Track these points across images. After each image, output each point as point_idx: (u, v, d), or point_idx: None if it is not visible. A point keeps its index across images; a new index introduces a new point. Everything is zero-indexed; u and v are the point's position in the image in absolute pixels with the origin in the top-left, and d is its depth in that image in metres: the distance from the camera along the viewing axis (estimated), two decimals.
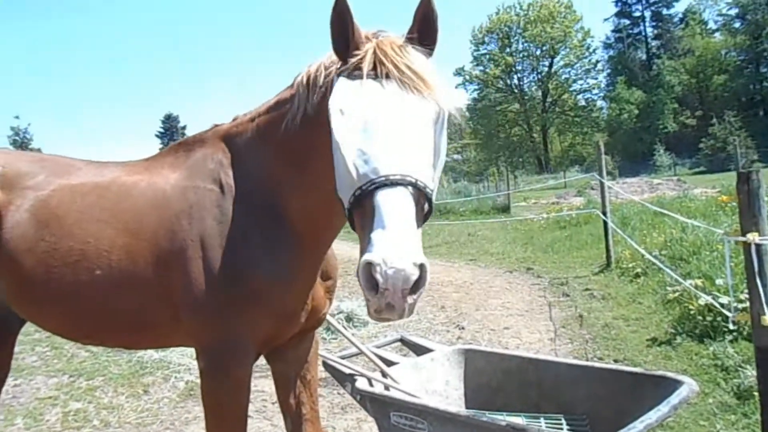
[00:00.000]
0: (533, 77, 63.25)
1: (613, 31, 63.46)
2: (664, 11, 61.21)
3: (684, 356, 4.75)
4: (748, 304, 3.25)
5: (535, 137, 63.84)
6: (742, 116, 45.92)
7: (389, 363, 3.07)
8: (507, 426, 2.24)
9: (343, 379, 3.00)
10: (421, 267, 1.48)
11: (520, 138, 64.05)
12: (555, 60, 60.50)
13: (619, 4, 62.42)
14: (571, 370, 2.84)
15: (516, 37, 60.48)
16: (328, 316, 2.88)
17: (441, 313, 7.12)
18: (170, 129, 66.94)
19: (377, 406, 2.74)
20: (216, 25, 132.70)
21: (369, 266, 1.46)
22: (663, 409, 2.14)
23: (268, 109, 2.20)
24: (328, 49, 1.86)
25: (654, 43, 62.05)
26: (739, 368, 4.16)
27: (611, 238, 8.70)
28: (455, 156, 69.71)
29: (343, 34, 1.78)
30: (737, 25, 52.92)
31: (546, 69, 61.33)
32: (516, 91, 63.07)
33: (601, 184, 9.10)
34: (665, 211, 8.10)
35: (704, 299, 5.09)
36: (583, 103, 61.97)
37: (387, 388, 2.84)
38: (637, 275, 7.57)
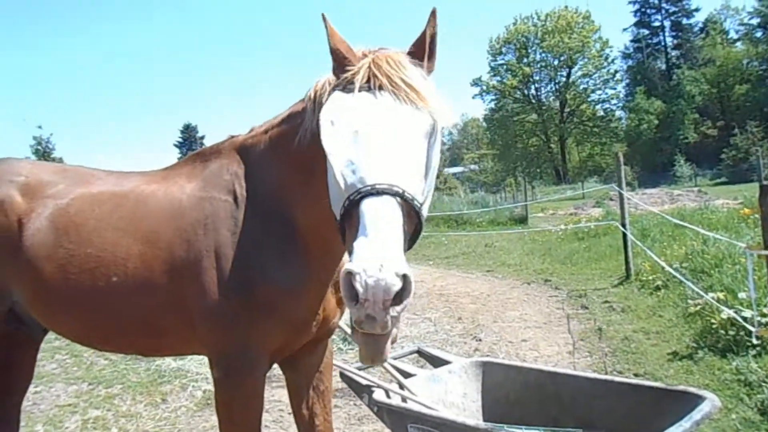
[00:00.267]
0: (551, 87, 62.95)
1: (632, 41, 62.99)
2: (684, 21, 60.63)
3: (706, 371, 4.66)
4: None
5: (552, 147, 63.46)
6: (765, 126, 45.15)
7: (406, 374, 3.07)
8: None
9: (360, 390, 3.00)
10: (404, 277, 1.42)
11: (538, 148, 63.71)
12: (573, 70, 60.16)
13: (638, 14, 61.99)
14: (591, 384, 2.81)
15: (533, 48, 60.30)
16: (344, 326, 2.89)
17: (458, 324, 7.08)
18: (189, 139, 67.64)
19: (394, 417, 2.73)
20: (235, 37, 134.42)
21: (349, 275, 1.41)
22: (685, 425, 2.11)
23: (281, 121, 2.23)
24: None
25: (674, 52, 61.40)
26: (763, 383, 4.09)
27: (630, 250, 8.60)
28: (472, 166, 69.66)
29: (338, 57, 1.83)
30: (759, 34, 52.18)
31: (564, 79, 60.99)
32: (533, 101, 62.78)
33: (620, 195, 9.01)
34: (686, 224, 8.00)
35: (726, 313, 5.01)
36: (601, 113, 61.45)
37: (404, 399, 2.83)
38: (658, 288, 7.47)
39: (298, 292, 2.13)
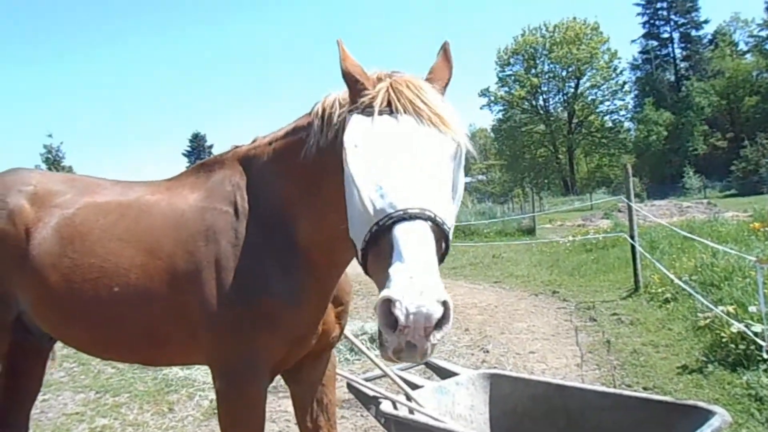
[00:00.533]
0: (559, 98, 62.88)
1: (640, 52, 62.99)
2: (693, 33, 60.61)
3: (716, 385, 4.62)
4: None
5: (560, 158, 63.32)
6: None
7: (413, 386, 3.06)
8: None
9: (367, 401, 3.00)
10: (444, 304, 1.39)
11: (546, 159, 63.58)
12: (581, 81, 60.13)
13: (647, 25, 62.04)
14: (599, 397, 2.79)
15: (542, 59, 60.33)
16: (351, 337, 2.89)
17: (465, 335, 7.05)
18: (197, 148, 67.98)
19: (402, 429, 2.73)
20: (244, 46, 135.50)
21: (388, 302, 1.37)
22: None
23: (286, 134, 2.24)
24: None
25: (683, 64, 61.32)
26: None
27: (639, 262, 8.55)
28: (480, 177, 69.61)
29: (351, 80, 1.81)
30: None
31: (572, 90, 60.98)
32: (541, 112, 62.73)
33: (629, 207, 8.97)
34: (695, 237, 7.94)
35: (736, 327, 4.96)
36: (610, 124, 61.32)
37: (411, 411, 2.82)
38: (667, 300, 7.41)
39: (298, 305, 2.13)
